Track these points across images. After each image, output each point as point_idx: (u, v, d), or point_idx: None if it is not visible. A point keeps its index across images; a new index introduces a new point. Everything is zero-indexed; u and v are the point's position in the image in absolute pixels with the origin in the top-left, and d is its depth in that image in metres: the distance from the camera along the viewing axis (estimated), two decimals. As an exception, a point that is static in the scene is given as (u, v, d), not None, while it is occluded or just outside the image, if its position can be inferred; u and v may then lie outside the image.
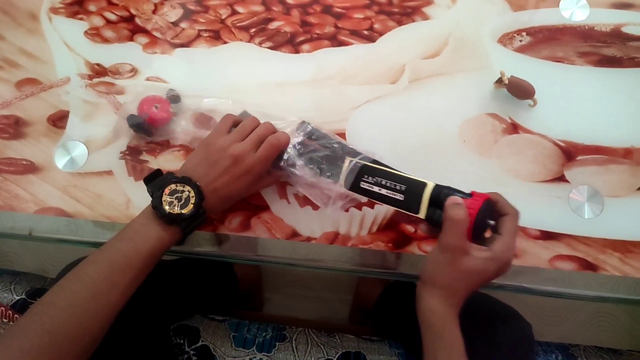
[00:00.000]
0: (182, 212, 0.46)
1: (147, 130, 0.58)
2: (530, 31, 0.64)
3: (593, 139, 0.58)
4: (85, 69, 0.64)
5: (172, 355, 0.58)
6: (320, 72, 0.63)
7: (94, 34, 0.66)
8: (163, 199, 0.46)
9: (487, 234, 0.46)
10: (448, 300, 0.45)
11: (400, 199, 0.48)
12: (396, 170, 0.49)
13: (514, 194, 0.56)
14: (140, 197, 0.58)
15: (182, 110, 0.59)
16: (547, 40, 0.63)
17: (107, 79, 0.63)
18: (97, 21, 0.66)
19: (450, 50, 0.63)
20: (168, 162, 0.59)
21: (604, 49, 0.63)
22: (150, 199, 0.47)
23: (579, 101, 0.60)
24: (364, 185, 0.49)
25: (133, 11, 0.67)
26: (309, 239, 0.56)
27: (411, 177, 0.48)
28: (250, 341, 0.62)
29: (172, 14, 0.66)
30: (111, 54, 0.65)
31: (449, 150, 0.59)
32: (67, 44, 0.65)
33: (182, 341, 0.60)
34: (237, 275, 0.84)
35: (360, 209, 0.56)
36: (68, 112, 0.62)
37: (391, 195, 0.48)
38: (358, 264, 0.57)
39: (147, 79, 0.63)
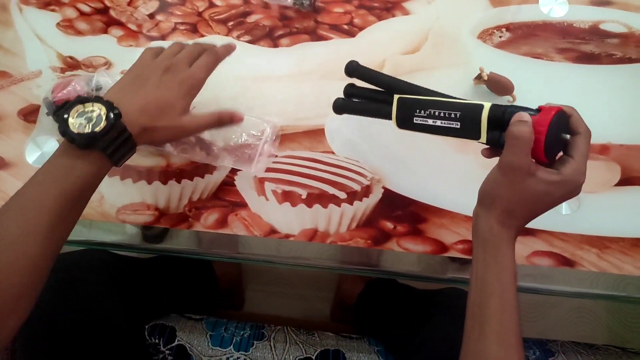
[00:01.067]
0: (95, 130, 0.40)
1: (54, 112, 0.56)
2: (509, 27, 0.64)
3: (571, 136, 0.59)
4: (58, 61, 0.62)
5: (147, 355, 0.57)
6: (299, 67, 0.62)
7: (67, 26, 0.64)
8: (70, 121, 0.40)
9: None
10: (507, 222, 0.42)
11: (457, 127, 0.45)
12: (448, 98, 0.46)
13: (493, 190, 0.56)
14: (113, 193, 0.57)
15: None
16: (527, 37, 0.63)
17: (80, 72, 0.62)
18: (70, 13, 0.65)
19: (430, 45, 0.63)
20: (141, 156, 0.57)
21: (583, 45, 0.63)
22: None
23: (557, 97, 0.60)
24: (417, 120, 0.47)
25: (108, 3, 0.65)
26: (287, 236, 0.55)
27: (466, 101, 0.45)
28: (228, 340, 0.61)
29: (148, 6, 0.65)
30: (85, 46, 0.63)
31: (427, 146, 0.58)
32: (38, 36, 0.63)
33: (157, 341, 0.59)
34: (216, 273, 0.83)
35: (339, 206, 0.56)
36: (39, 106, 0.60)
37: (447, 125, 0.45)
38: (339, 261, 0.56)
39: (122, 72, 0.61)
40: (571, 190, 0.41)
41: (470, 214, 0.55)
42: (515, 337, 0.40)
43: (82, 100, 0.41)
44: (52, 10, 0.65)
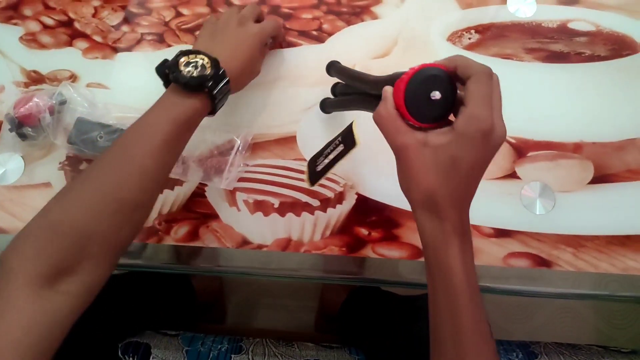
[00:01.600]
0: (205, 74, 0.45)
1: (17, 128, 0.55)
2: (478, 29, 0.64)
3: (543, 135, 0.58)
4: (21, 76, 0.61)
5: (120, 375, 0.55)
6: (268, 74, 0.61)
7: (30, 40, 0.63)
8: (180, 69, 0.45)
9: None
10: (428, 213, 0.36)
11: (342, 148, 0.46)
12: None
13: (466, 192, 0.56)
14: (80, 209, 0.55)
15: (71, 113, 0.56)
16: (496, 38, 0.63)
17: (44, 86, 0.60)
18: (34, 26, 0.63)
19: (400, 49, 0.62)
20: (110, 171, 0.56)
21: (552, 44, 0.63)
22: None
23: (528, 97, 0.60)
24: (319, 167, 0.49)
25: (72, 15, 0.64)
26: (260, 247, 0.54)
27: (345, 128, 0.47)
28: (205, 355, 0.60)
29: (113, 17, 0.64)
30: (49, 60, 0.62)
31: (400, 150, 0.58)
32: (0, 51, 0.62)
33: (131, 359, 0.57)
34: (194, 286, 0.81)
35: (312, 214, 0.55)
36: (1, 122, 0.58)
37: (337, 154, 0.47)
38: (321, 271, 0.55)
39: (88, 85, 0.60)
40: (482, 142, 0.34)
41: (445, 217, 0.55)
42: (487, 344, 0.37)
43: (185, 52, 0.47)
44: (15, 24, 0.63)
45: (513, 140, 0.58)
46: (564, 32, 0.64)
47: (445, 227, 0.36)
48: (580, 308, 1.10)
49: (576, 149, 0.58)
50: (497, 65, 0.61)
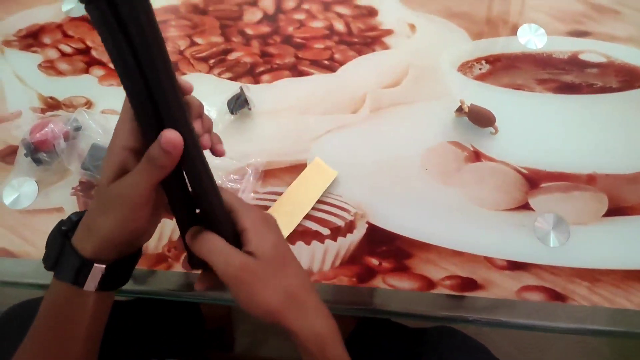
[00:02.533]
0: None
1: (32, 153, 0.56)
2: (489, 59, 0.64)
3: (556, 166, 0.58)
4: (39, 102, 0.62)
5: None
6: (280, 102, 0.62)
7: (48, 67, 0.64)
8: None
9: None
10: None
11: None
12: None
13: (479, 223, 0.55)
14: (90, 235, 0.55)
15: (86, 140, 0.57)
16: (507, 68, 0.64)
17: (60, 112, 0.61)
18: (52, 54, 0.65)
19: (410, 79, 0.63)
20: (121, 197, 0.56)
21: (563, 76, 0.63)
22: None
23: (540, 128, 0.60)
24: None
25: (89, 43, 0.65)
26: (268, 275, 0.53)
27: None
28: (211, 386, 0.58)
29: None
30: (66, 86, 0.63)
31: (412, 179, 0.57)
32: (19, 77, 0.63)
33: (136, 388, 0.56)
34: (203, 313, 0.80)
35: (322, 243, 0.54)
36: (17, 147, 0.59)
37: None
38: (330, 301, 0.54)
39: (103, 112, 0.61)
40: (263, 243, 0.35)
41: (458, 247, 0.54)
42: None
43: None
44: (34, 52, 0.65)
45: (525, 171, 0.58)
46: (575, 63, 0.64)
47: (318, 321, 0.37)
48: (595, 343, 1.06)
49: (590, 180, 0.57)
50: (508, 96, 0.62)
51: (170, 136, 0.31)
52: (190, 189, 0.36)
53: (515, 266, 0.53)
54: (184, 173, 0.35)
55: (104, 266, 0.35)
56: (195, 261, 0.38)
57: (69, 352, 0.37)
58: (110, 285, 0.37)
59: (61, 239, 0.36)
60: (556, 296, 0.52)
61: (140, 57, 0.30)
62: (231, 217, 0.36)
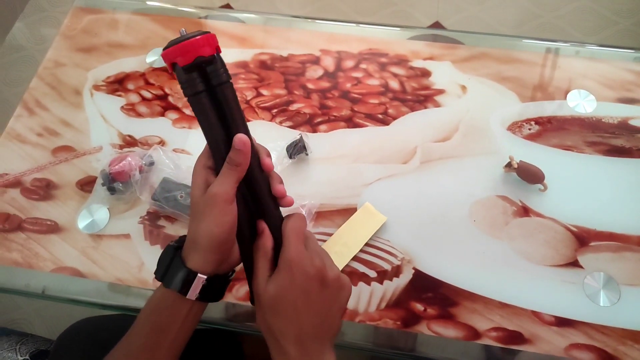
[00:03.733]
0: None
1: (109, 183, 0.62)
2: (538, 121, 0.67)
3: (606, 225, 0.58)
4: (118, 139, 0.69)
5: None
6: (335, 151, 0.66)
7: (130, 109, 0.71)
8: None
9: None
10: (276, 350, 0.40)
11: None
12: None
13: (527, 277, 0.56)
14: (153, 261, 0.59)
15: (158, 174, 0.62)
16: (556, 130, 0.66)
17: (136, 149, 0.68)
18: (134, 98, 0.72)
19: (460, 135, 0.66)
20: (183, 227, 0.60)
21: (612, 139, 0.64)
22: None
23: (589, 188, 0.61)
24: None
25: (167, 90, 0.73)
26: (315, 313, 0.55)
27: None
28: (249, 422, 0.59)
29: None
30: (143, 127, 0.70)
31: (459, 230, 0.59)
32: (103, 117, 0.71)
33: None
34: (245, 353, 0.81)
35: (369, 284, 0.56)
36: (96, 177, 0.65)
37: None
38: (373, 343, 0.55)
39: (174, 150, 0.67)
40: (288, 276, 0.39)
41: (505, 300, 0.55)
42: None
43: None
44: (119, 96, 0.73)
45: (574, 229, 0.58)
46: (625, 128, 0.65)
47: None
48: None
49: (641, 242, 0.57)
50: (558, 156, 0.64)
51: (240, 137, 0.39)
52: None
53: (563, 323, 0.53)
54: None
55: (205, 277, 0.41)
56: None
57: (157, 356, 0.42)
58: (208, 296, 0.43)
59: (172, 253, 0.43)
60: (607, 357, 0.51)
61: (226, 115, 0.40)
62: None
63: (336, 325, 0.42)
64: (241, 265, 0.45)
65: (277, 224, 0.42)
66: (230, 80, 0.40)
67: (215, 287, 0.44)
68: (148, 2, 0.83)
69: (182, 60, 0.38)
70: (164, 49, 0.39)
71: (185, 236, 0.44)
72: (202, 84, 0.39)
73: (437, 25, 1.49)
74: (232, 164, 0.40)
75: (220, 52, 0.40)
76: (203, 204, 0.40)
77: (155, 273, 0.44)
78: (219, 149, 0.41)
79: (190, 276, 0.41)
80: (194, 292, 0.41)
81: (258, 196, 0.42)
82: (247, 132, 0.41)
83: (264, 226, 0.42)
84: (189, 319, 0.43)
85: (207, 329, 0.59)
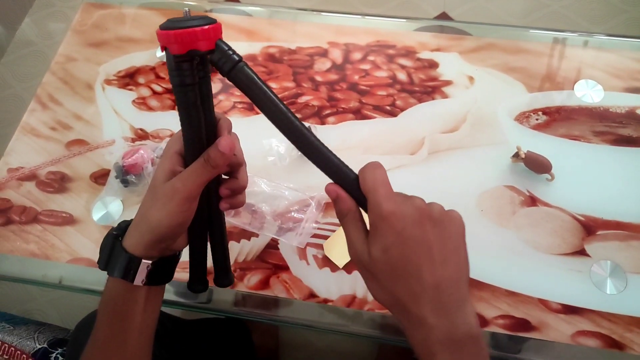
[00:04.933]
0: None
1: (122, 175, 0.63)
2: (546, 111, 0.67)
3: (612, 214, 0.59)
4: (130, 132, 0.70)
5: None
6: (344, 142, 0.66)
7: (141, 103, 0.72)
8: None
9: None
10: (407, 323, 0.35)
11: None
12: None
13: (534, 265, 0.56)
14: (166, 252, 0.60)
15: None
16: (563, 120, 0.66)
17: (147, 142, 0.69)
18: (145, 92, 0.73)
19: (468, 125, 0.66)
20: (195, 219, 0.62)
21: (620, 129, 0.65)
22: None
23: (596, 177, 0.62)
24: None
25: (177, 84, 0.74)
26: (325, 301, 0.56)
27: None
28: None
29: (212, 86, 0.73)
30: (154, 120, 0.71)
31: (467, 219, 0.59)
32: (115, 111, 0.72)
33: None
34: (254, 342, 0.83)
35: (377, 274, 0.57)
36: (109, 170, 0.66)
37: None
38: (379, 330, 0.56)
39: (184, 143, 0.68)
40: (399, 228, 0.34)
41: (512, 288, 0.55)
42: None
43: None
44: (130, 90, 0.74)
45: (581, 218, 0.59)
46: (632, 117, 0.66)
47: (429, 336, 0.34)
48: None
49: (649, 230, 0.58)
50: (565, 145, 0.64)
51: (226, 139, 0.38)
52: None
53: (570, 310, 0.54)
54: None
55: (150, 262, 0.40)
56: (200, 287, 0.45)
57: (126, 344, 0.41)
58: (156, 280, 0.41)
59: (112, 241, 0.41)
60: (613, 344, 0.52)
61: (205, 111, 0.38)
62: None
63: (464, 264, 0.36)
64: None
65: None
66: (242, 60, 0.36)
67: (163, 270, 0.42)
68: (156, -3, 0.84)
69: (174, 49, 0.34)
70: (160, 27, 0.35)
71: (124, 222, 0.43)
72: (191, 76, 0.36)
73: (443, 16, 1.49)
74: (209, 163, 0.38)
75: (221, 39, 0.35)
76: (162, 192, 0.38)
77: (97, 262, 0.42)
78: (195, 143, 0.39)
79: (134, 263, 0.40)
80: (139, 278, 0.40)
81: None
82: (277, 111, 0.38)
83: (338, 189, 0.37)
84: (149, 303, 0.42)
85: (217, 317, 0.60)
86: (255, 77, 0.36)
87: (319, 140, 0.39)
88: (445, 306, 0.34)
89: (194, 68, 0.35)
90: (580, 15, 1.46)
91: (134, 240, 0.40)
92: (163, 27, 0.34)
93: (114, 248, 0.41)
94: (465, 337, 0.34)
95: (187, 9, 0.36)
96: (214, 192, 0.42)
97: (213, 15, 0.81)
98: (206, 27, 0.34)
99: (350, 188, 0.37)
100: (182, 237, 0.42)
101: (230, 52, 0.35)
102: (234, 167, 0.42)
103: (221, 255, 0.48)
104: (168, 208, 0.38)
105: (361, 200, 0.37)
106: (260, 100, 0.37)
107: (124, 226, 0.42)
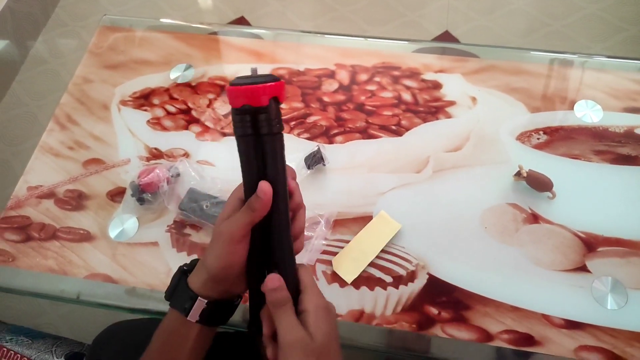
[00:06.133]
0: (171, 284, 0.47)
1: (138, 194, 0.65)
2: (547, 130, 0.69)
3: (613, 232, 0.61)
4: (145, 152, 0.73)
5: None
6: (351, 161, 0.69)
7: (155, 123, 0.75)
8: None
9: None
10: None
11: None
12: None
13: (537, 281, 0.58)
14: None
15: (184, 184, 0.66)
16: (564, 139, 0.68)
17: (162, 161, 0.71)
18: (159, 112, 0.76)
19: (471, 145, 0.69)
20: (208, 236, 0.64)
21: (619, 148, 0.67)
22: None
23: (597, 195, 0.64)
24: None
25: (190, 105, 0.77)
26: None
27: None
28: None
29: (223, 108, 0.76)
30: (168, 140, 0.73)
31: (471, 236, 0.62)
32: (131, 131, 0.75)
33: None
34: (261, 355, 0.84)
35: (385, 289, 0.59)
36: (125, 188, 0.69)
37: None
38: (388, 345, 0.57)
39: (198, 162, 0.71)
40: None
41: (516, 303, 0.57)
42: None
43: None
44: (145, 110, 0.77)
45: (582, 235, 0.61)
46: (630, 136, 0.68)
47: None
48: None
49: (648, 247, 0.59)
50: (565, 164, 0.66)
51: (264, 186, 0.41)
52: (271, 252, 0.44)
53: (572, 325, 0.55)
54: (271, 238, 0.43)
55: (206, 301, 0.44)
56: (254, 329, 0.46)
57: None
58: (210, 320, 0.45)
59: (180, 276, 0.46)
60: (615, 358, 0.53)
61: (267, 162, 0.41)
62: (297, 286, 0.43)
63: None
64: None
65: (292, 270, 0.43)
66: (281, 132, 0.40)
67: (219, 312, 0.45)
68: (163, 20, 0.88)
69: (232, 103, 0.39)
70: (229, 83, 0.39)
71: (196, 260, 0.47)
72: (250, 127, 0.39)
73: (446, 34, 1.52)
74: (249, 207, 0.41)
75: (282, 101, 0.40)
76: (217, 233, 0.42)
77: (165, 293, 0.46)
78: (249, 189, 0.42)
79: (192, 299, 0.43)
80: (195, 314, 0.43)
81: (274, 240, 0.43)
82: (282, 182, 0.41)
83: (281, 281, 0.41)
84: (197, 343, 0.45)
85: (225, 331, 0.62)
86: (282, 153, 0.41)
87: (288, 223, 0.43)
88: None
89: (251, 121, 0.39)
90: (581, 34, 1.49)
91: (196, 278, 0.44)
92: (231, 84, 0.39)
93: (179, 282, 0.45)
94: None
95: (255, 67, 0.40)
96: (265, 240, 0.44)
97: (220, 37, 0.84)
98: (264, 84, 0.38)
99: (291, 275, 0.43)
100: (240, 281, 0.44)
101: (276, 120, 0.39)
102: (294, 210, 0.45)
103: (260, 302, 0.47)
104: (217, 250, 0.42)
105: (296, 290, 0.43)
106: (275, 169, 0.41)
107: (195, 263, 0.46)
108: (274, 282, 0.41)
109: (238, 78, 0.39)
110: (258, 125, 0.39)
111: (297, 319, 0.41)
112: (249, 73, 0.40)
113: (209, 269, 0.43)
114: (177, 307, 0.44)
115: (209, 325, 0.45)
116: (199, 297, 0.43)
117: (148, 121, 0.76)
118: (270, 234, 0.42)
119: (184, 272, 0.46)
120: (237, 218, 0.42)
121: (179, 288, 0.45)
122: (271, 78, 0.39)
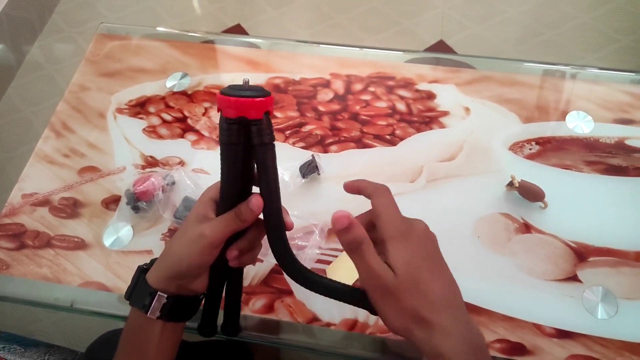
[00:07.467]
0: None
1: (134, 202, 0.66)
2: (539, 141, 0.70)
3: (604, 242, 0.61)
4: (140, 160, 0.73)
5: None
6: (346, 170, 0.69)
7: (151, 131, 0.76)
8: None
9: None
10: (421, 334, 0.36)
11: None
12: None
13: (528, 291, 0.59)
14: (174, 276, 0.63)
15: (179, 193, 0.66)
16: (555, 150, 0.69)
17: (157, 169, 0.72)
18: (155, 120, 0.77)
19: (464, 155, 0.69)
20: (203, 244, 0.64)
21: (610, 159, 0.68)
22: None
23: (588, 206, 0.64)
24: None
25: (186, 113, 0.77)
26: (328, 325, 0.59)
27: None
28: None
29: (219, 116, 0.76)
30: (164, 148, 0.74)
31: (464, 245, 0.62)
32: (126, 139, 0.75)
33: None
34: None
35: (378, 298, 0.59)
36: (120, 196, 0.69)
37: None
38: (381, 353, 0.58)
39: (193, 170, 0.71)
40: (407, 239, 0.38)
41: (508, 312, 0.58)
42: None
43: None
44: (140, 118, 0.77)
45: (574, 245, 0.61)
46: (621, 147, 0.69)
47: (453, 345, 0.36)
48: None
49: (638, 257, 0.60)
50: (557, 175, 0.67)
51: (257, 200, 0.41)
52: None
53: (563, 335, 0.56)
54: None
55: (166, 295, 0.42)
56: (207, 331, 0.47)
57: None
58: (171, 315, 0.43)
59: (139, 274, 0.45)
60: (606, 367, 0.54)
61: (260, 172, 0.41)
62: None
63: (450, 274, 0.40)
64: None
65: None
66: (272, 142, 0.40)
67: (180, 307, 0.44)
68: (159, 28, 0.88)
69: (225, 112, 0.39)
70: (220, 92, 0.39)
71: (156, 258, 0.46)
72: (239, 137, 0.40)
73: (441, 43, 1.54)
74: (238, 217, 0.41)
75: (271, 113, 0.40)
76: (191, 233, 0.41)
77: (125, 292, 0.46)
78: (230, 198, 0.42)
79: (151, 295, 0.42)
80: (155, 310, 0.42)
81: (273, 244, 0.43)
82: (274, 192, 0.41)
83: (350, 217, 0.39)
84: (164, 339, 0.44)
85: (219, 340, 0.62)
86: (274, 162, 0.41)
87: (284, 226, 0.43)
88: (456, 313, 0.37)
89: (243, 129, 0.39)
90: (574, 43, 1.51)
91: (155, 273, 0.44)
92: (223, 93, 0.39)
93: (138, 279, 0.44)
94: (481, 343, 0.37)
95: (247, 78, 0.40)
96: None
97: (216, 46, 0.85)
98: (258, 99, 0.38)
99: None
100: (202, 280, 0.44)
101: (268, 131, 0.40)
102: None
103: (234, 304, 0.51)
104: (192, 249, 0.41)
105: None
106: (267, 179, 0.41)
107: (154, 261, 0.46)
108: (341, 221, 0.38)
109: (230, 88, 0.39)
110: (250, 135, 0.39)
111: (377, 258, 0.38)
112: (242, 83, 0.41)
113: (175, 264, 0.42)
114: (136, 305, 0.43)
115: (172, 321, 0.44)
116: (159, 292, 0.42)
117: (144, 129, 0.76)
118: (269, 239, 0.43)
119: (143, 271, 0.45)
120: (222, 224, 0.41)
121: (138, 285, 0.44)
122: (263, 92, 0.39)
